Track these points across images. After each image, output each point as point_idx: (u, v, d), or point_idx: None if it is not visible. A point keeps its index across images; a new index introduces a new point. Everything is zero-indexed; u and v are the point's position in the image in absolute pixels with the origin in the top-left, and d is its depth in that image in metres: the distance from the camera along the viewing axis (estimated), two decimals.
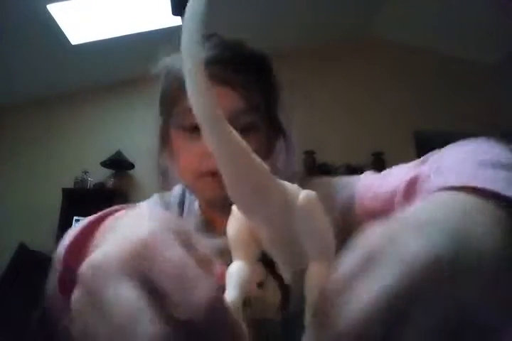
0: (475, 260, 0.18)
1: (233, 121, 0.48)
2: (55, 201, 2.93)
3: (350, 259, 0.20)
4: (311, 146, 3.13)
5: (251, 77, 0.51)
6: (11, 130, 3.26)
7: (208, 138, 0.21)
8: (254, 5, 2.68)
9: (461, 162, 0.31)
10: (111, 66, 3.09)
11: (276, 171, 0.58)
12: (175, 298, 0.17)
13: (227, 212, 0.58)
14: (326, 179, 0.56)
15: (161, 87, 0.57)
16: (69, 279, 0.29)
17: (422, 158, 0.43)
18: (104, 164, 3.09)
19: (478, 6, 2.75)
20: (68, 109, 3.33)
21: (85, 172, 3.08)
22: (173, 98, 0.52)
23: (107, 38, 2.75)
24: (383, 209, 0.43)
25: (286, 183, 0.26)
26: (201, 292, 0.17)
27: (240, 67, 0.50)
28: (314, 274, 0.25)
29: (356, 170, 3.07)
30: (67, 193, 2.96)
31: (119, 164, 3.09)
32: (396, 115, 3.35)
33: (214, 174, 0.48)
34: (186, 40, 0.19)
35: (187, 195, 0.61)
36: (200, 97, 0.19)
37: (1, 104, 3.20)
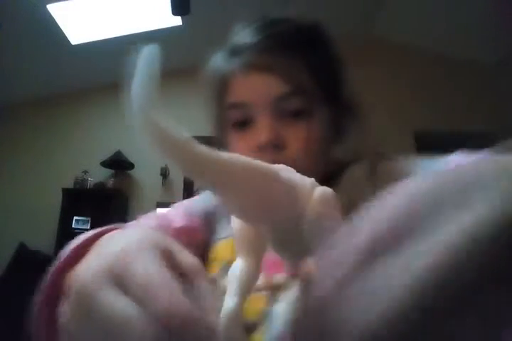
0: None
1: (278, 107, 0.45)
2: (55, 201, 2.93)
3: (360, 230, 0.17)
4: None
5: (296, 57, 0.46)
6: (11, 130, 3.26)
7: (185, 168, 0.20)
8: (256, 5, 2.68)
9: None
10: (111, 66, 3.09)
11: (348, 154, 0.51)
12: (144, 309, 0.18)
13: None
14: (409, 159, 0.49)
15: (209, 84, 0.53)
16: (56, 296, 0.29)
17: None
18: (104, 164, 3.09)
19: (478, 5, 2.75)
20: (68, 109, 3.33)
21: (85, 172, 3.08)
22: (220, 94, 0.50)
23: (107, 38, 2.75)
24: None
25: (298, 178, 0.24)
26: (160, 307, 0.17)
27: (281, 48, 0.46)
28: None
29: None
30: (67, 193, 2.96)
31: (119, 164, 3.09)
32: (396, 115, 3.35)
33: (268, 148, 0.45)
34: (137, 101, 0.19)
35: None
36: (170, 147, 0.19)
37: (1, 104, 3.20)
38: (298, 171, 0.25)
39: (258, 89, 0.45)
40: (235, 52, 0.48)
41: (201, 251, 0.49)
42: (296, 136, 0.44)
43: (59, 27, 2.56)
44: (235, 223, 0.27)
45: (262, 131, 0.44)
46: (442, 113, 3.35)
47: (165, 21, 2.59)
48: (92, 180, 3.07)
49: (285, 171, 0.24)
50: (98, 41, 2.77)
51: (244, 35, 0.49)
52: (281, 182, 0.22)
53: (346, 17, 3.18)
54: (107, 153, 3.06)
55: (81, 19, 2.56)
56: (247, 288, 0.25)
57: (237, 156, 0.21)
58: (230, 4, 2.63)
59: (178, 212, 0.52)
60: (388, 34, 3.42)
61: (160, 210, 0.55)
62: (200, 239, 0.51)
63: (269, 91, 0.45)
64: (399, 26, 3.31)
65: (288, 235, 0.24)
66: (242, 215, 0.22)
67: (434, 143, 3.78)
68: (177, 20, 2.60)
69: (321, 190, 0.23)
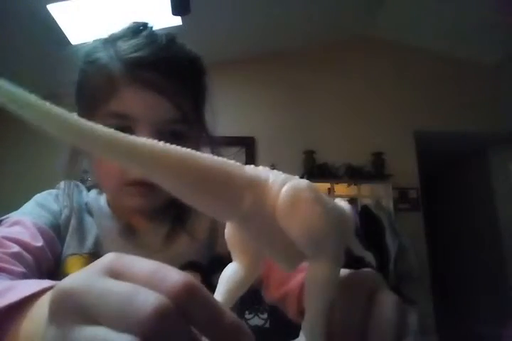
0: None
1: (165, 129, 0.49)
2: None
3: None
4: (311, 146, 3.13)
5: (185, 85, 0.51)
6: (11, 130, 3.26)
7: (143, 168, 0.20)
8: (256, 5, 2.68)
9: None
10: None
11: None
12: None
13: (149, 217, 0.57)
14: None
15: (86, 79, 0.54)
16: None
17: None
18: None
19: (478, 6, 2.75)
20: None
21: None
22: (100, 97, 0.50)
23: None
24: None
25: (270, 175, 0.22)
26: (174, 280, 0.17)
27: (174, 74, 0.49)
28: (312, 275, 0.23)
29: (356, 170, 3.07)
30: None
31: None
32: (396, 115, 3.35)
33: (139, 183, 0.48)
34: None
35: (85, 198, 0.62)
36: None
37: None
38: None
39: (150, 109, 0.48)
40: (126, 60, 0.49)
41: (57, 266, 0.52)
42: None
43: (59, 27, 2.56)
44: (227, 229, 0.26)
45: None
46: (442, 113, 3.34)
47: (165, 21, 2.59)
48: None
49: (254, 168, 0.23)
50: None
51: (136, 45, 0.50)
52: (242, 177, 0.21)
53: (346, 17, 3.18)
54: None
55: (81, 19, 2.56)
56: (235, 289, 0.25)
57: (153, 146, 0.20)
58: (229, 4, 2.63)
59: (31, 231, 0.51)
60: (388, 34, 3.42)
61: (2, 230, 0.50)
62: (57, 253, 0.53)
63: (161, 114, 0.48)
64: (399, 26, 3.30)
65: (262, 234, 0.23)
66: (200, 209, 0.21)
67: (434, 143, 3.78)
68: (177, 20, 2.60)
69: (288, 186, 0.21)
